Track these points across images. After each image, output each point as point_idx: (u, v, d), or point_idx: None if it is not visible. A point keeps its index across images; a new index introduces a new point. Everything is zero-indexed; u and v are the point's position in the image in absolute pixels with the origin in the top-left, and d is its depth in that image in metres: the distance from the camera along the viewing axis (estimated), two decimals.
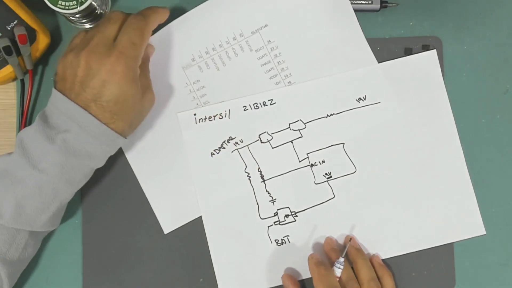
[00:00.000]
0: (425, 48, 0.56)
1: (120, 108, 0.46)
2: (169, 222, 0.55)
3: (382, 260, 0.54)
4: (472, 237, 0.55)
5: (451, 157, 0.55)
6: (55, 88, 0.47)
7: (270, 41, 0.55)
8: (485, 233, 0.55)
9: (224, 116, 0.55)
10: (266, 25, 0.55)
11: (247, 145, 0.55)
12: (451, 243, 0.55)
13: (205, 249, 0.55)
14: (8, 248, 0.47)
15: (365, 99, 0.55)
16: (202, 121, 0.55)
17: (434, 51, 0.56)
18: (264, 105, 0.55)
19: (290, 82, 0.55)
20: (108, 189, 0.55)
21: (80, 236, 0.55)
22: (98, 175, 0.54)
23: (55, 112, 0.46)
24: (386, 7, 0.55)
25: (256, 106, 0.55)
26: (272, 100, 0.55)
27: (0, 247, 0.47)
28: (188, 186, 0.55)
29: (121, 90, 0.45)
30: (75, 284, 0.55)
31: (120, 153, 0.55)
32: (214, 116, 0.55)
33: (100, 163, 0.49)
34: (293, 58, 0.55)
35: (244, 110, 0.55)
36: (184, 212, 0.55)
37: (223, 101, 0.55)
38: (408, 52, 0.56)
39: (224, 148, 0.55)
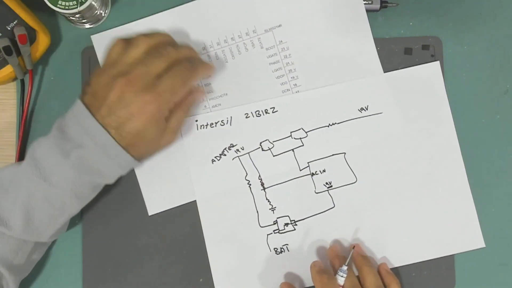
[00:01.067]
0: (425, 48, 0.56)
1: (136, 142, 0.46)
2: (155, 204, 0.54)
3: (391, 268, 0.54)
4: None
5: (452, 169, 0.55)
6: (82, 99, 0.46)
7: (282, 41, 0.55)
8: (484, 246, 0.54)
9: (225, 123, 0.55)
10: (280, 25, 0.55)
11: (248, 153, 0.55)
12: None
13: (205, 249, 0.55)
14: (14, 257, 0.47)
15: (367, 109, 0.55)
16: (203, 127, 0.55)
17: (437, 62, 0.55)
18: (266, 113, 0.55)
19: (296, 84, 0.55)
20: (108, 189, 0.55)
21: (80, 236, 0.55)
22: None
23: (74, 123, 0.46)
24: (386, 7, 0.55)
25: (258, 114, 0.55)
26: (274, 108, 0.55)
27: (7, 256, 0.47)
28: (179, 172, 0.54)
29: (143, 128, 0.46)
30: (75, 284, 0.55)
31: None
32: (216, 123, 0.55)
33: (110, 181, 0.49)
34: (302, 61, 0.55)
35: (246, 117, 0.55)
36: (171, 197, 0.54)
37: (225, 96, 0.55)
38: (408, 52, 0.56)
39: (225, 155, 0.55)
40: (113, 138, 0.45)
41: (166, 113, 0.48)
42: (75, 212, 0.49)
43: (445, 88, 0.56)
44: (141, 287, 0.55)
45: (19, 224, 0.45)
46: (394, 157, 0.55)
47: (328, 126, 0.55)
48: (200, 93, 0.53)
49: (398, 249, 0.54)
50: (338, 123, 0.55)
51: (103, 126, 0.45)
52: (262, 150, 0.55)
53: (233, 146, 0.55)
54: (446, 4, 0.57)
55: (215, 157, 0.55)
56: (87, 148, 0.45)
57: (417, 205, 0.55)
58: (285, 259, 0.54)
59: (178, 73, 0.47)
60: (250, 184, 0.55)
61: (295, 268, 0.54)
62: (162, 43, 0.48)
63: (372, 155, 0.55)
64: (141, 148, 0.47)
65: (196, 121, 0.55)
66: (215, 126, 0.55)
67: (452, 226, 0.54)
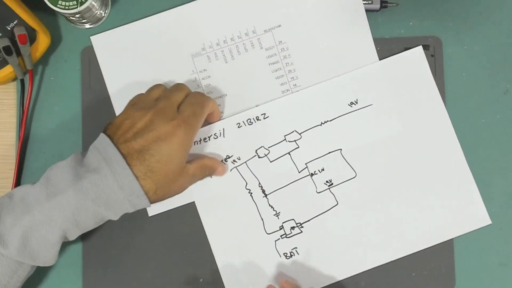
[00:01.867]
0: (425, 48, 0.56)
1: (157, 167, 0.45)
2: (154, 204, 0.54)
3: (387, 263, 0.54)
4: (477, 229, 0.55)
5: (449, 153, 0.55)
6: (104, 132, 0.47)
7: (281, 41, 0.55)
8: (490, 222, 0.55)
9: (219, 135, 0.55)
10: (279, 25, 0.55)
11: (245, 162, 0.55)
12: (452, 243, 0.55)
13: (205, 249, 0.55)
14: (8, 280, 0.46)
15: (357, 102, 0.55)
16: (197, 143, 0.55)
17: (420, 47, 0.55)
18: (258, 119, 0.55)
19: (295, 84, 0.55)
20: None
21: (80, 236, 0.55)
22: None
23: (92, 151, 0.46)
24: (386, 7, 0.55)
25: (250, 122, 0.55)
26: (265, 114, 0.55)
27: (0, 278, 0.45)
28: None
29: (169, 151, 0.46)
30: (75, 284, 0.55)
31: None
32: (209, 137, 0.55)
33: (115, 216, 0.47)
34: (302, 61, 0.55)
35: (238, 127, 0.55)
36: (171, 198, 0.53)
37: (224, 97, 0.55)
38: None
39: None
40: (131, 165, 0.45)
41: (191, 142, 0.49)
42: (72, 238, 0.48)
43: (445, 88, 0.56)
44: (141, 287, 0.55)
45: (15, 244, 0.44)
46: (390, 147, 0.55)
47: (321, 125, 0.55)
48: (223, 170, 0.54)
49: (404, 237, 0.54)
50: (330, 121, 0.55)
51: (122, 154, 0.45)
52: (259, 157, 0.55)
53: (229, 157, 0.55)
54: (446, 4, 0.57)
55: None
56: (100, 174, 0.44)
57: (418, 192, 0.54)
58: (296, 262, 0.54)
59: (195, 100, 0.50)
60: (252, 193, 0.55)
61: (308, 270, 0.54)
62: (175, 84, 0.52)
63: (368, 147, 0.55)
64: (158, 178, 0.46)
65: None
66: (209, 140, 0.55)
67: (456, 209, 0.54)
